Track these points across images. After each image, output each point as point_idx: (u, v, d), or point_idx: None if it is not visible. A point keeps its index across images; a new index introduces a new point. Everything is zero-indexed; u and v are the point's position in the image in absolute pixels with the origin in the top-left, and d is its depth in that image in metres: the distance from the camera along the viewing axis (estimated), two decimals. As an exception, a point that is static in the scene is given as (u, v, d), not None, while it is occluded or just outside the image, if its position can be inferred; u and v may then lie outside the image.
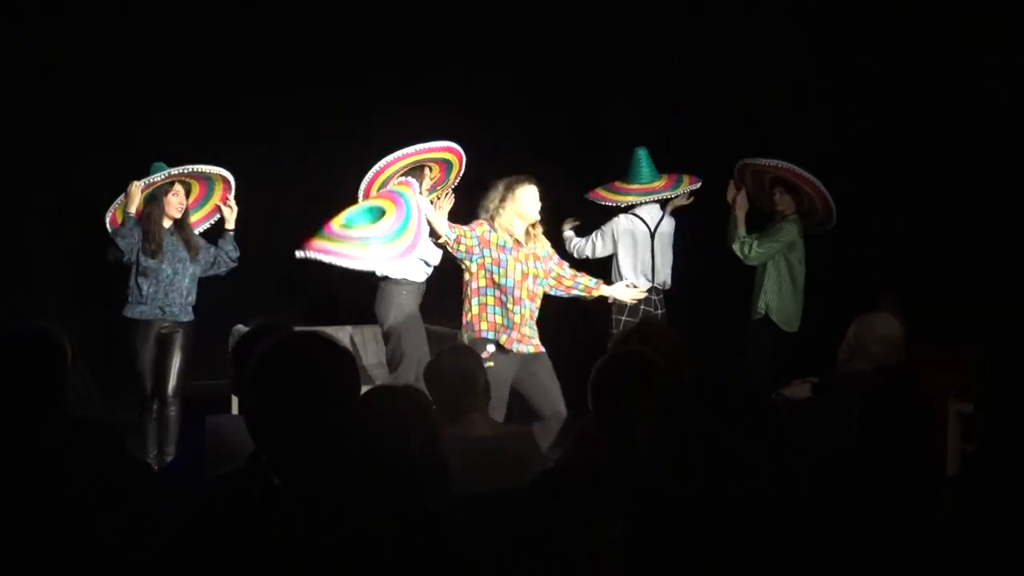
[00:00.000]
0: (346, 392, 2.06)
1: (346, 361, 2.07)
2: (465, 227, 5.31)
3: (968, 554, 2.51)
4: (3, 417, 2.56)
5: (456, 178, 6.06)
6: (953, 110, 6.30)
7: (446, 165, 6.00)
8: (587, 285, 5.55)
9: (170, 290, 5.67)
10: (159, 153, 5.86)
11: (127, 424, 5.83)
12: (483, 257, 5.25)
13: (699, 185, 6.33)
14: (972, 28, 6.17)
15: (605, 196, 6.34)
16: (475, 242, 5.25)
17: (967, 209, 6.26)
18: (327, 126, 6.98)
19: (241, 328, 6.27)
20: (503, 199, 5.30)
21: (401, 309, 5.96)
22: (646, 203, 6.28)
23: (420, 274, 6.00)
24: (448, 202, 5.77)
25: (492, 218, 5.30)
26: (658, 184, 6.29)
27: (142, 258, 5.59)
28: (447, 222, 5.35)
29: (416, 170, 5.84)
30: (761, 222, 6.32)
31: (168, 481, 3.32)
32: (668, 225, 6.39)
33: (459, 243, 5.26)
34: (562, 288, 5.52)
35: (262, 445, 2.03)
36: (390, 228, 5.37)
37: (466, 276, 5.31)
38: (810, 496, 2.60)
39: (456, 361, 3.62)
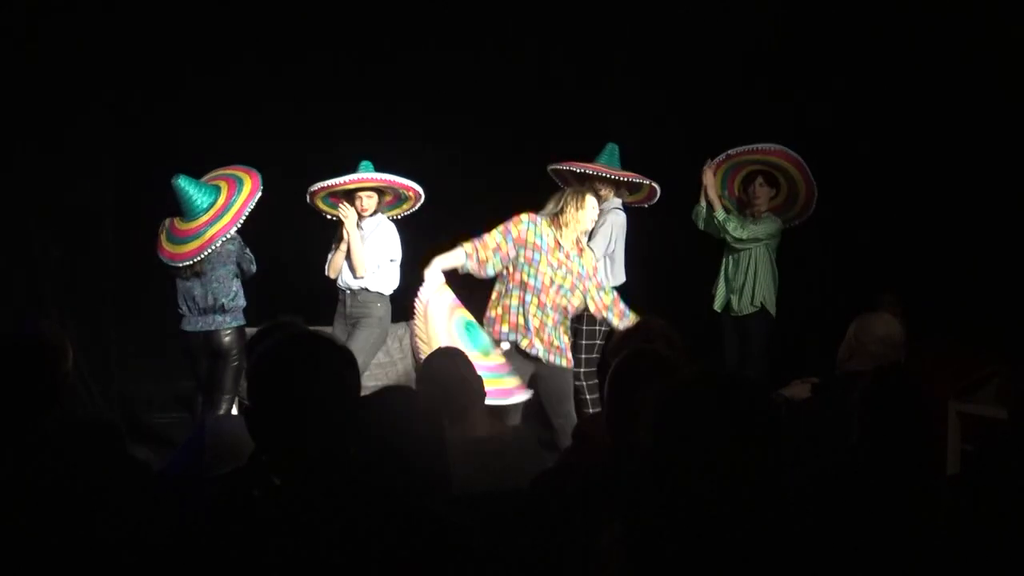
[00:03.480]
0: (346, 392, 2.06)
1: (346, 361, 2.08)
2: (491, 234, 5.08)
3: (968, 554, 2.51)
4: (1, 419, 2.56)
5: (415, 195, 5.93)
6: (953, 108, 6.29)
7: (398, 195, 5.95)
8: (612, 322, 5.28)
9: None
10: (162, 155, 5.86)
11: (127, 424, 5.83)
12: (518, 255, 5.08)
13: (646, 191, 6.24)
14: (972, 22, 6.17)
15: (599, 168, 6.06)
16: (509, 244, 5.07)
17: (967, 208, 6.26)
18: (330, 127, 6.97)
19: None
20: (575, 203, 5.13)
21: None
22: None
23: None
24: (344, 217, 5.74)
25: (555, 215, 5.13)
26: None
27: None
28: (449, 255, 5.07)
29: (348, 193, 5.80)
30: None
31: (168, 481, 3.32)
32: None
33: (482, 261, 5.07)
34: (595, 311, 5.30)
35: (262, 445, 2.03)
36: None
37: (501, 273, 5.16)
38: (810, 496, 2.60)
39: (448, 363, 3.62)
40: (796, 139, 6.72)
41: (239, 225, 5.41)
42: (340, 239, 5.86)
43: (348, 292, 5.87)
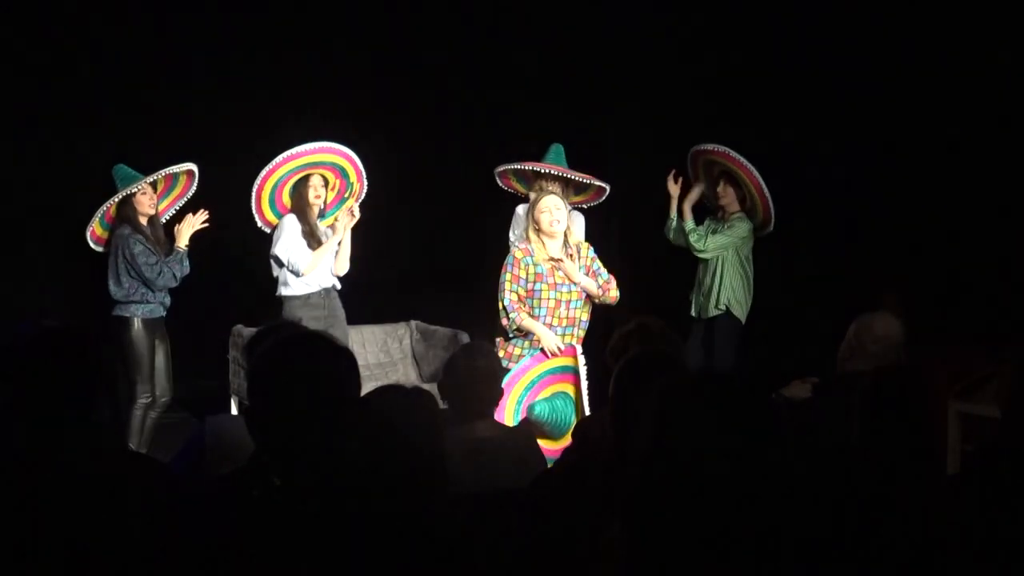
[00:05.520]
0: (346, 392, 2.06)
1: (346, 361, 2.08)
2: (508, 291, 4.96)
3: (968, 554, 2.51)
4: (34, 418, 2.50)
5: (361, 187, 5.90)
6: (954, 108, 6.29)
7: (340, 171, 5.83)
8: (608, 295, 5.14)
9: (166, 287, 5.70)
10: (155, 153, 5.85)
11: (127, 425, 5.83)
12: (525, 292, 4.98)
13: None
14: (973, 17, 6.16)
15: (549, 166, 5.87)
16: (524, 289, 4.97)
17: (968, 208, 6.26)
18: (319, 123, 6.93)
19: (241, 328, 6.27)
20: (528, 221, 5.08)
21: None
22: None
23: (302, 287, 5.71)
24: (349, 218, 5.67)
25: (536, 232, 5.03)
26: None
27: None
28: (527, 320, 4.94)
29: (301, 181, 5.69)
30: (699, 218, 6.25)
31: (168, 481, 3.31)
32: None
33: (520, 307, 4.98)
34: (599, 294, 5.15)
35: (262, 445, 2.03)
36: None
37: None
38: (810, 496, 2.60)
39: (472, 361, 3.60)
40: (794, 138, 6.73)
41: (98, 217, 5.55)
42: (316, 237, 5.70)
43: (323, 291, 5.74)
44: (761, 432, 1.91)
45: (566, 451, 3.25)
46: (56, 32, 6.48)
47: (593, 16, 7.19)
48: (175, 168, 5.66)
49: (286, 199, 5.74)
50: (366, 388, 2.25)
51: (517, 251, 5.02)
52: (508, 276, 4.98)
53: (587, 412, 4.60)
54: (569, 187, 5.83)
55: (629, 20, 7.14)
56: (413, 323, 7.02)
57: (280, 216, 5.74)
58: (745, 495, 1.87)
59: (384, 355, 6.87)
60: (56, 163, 6.50)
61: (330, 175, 5.77)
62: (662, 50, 7.15)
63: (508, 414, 4.63)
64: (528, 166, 5.84)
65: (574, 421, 4.58)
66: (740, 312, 6.10)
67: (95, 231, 5.66)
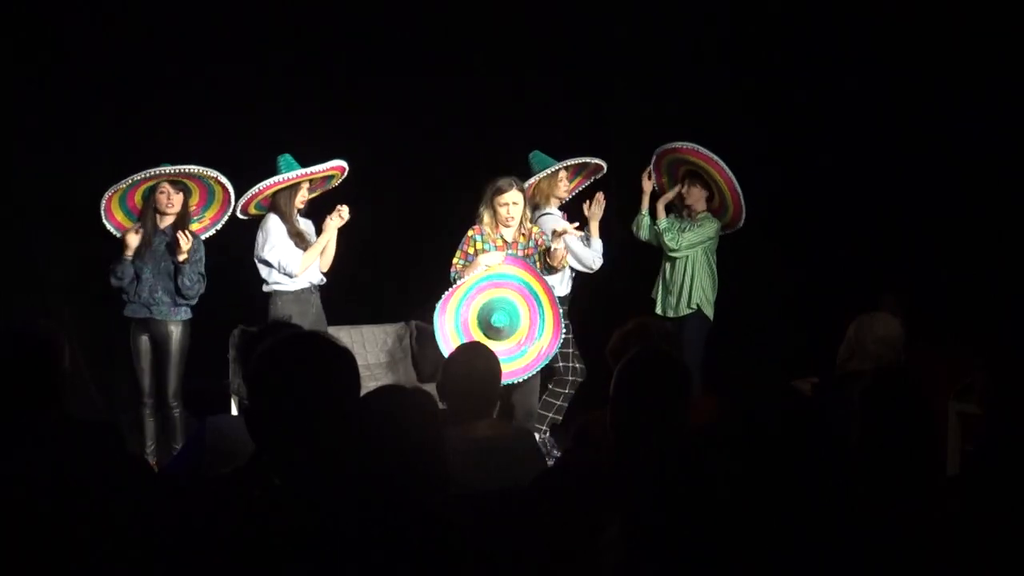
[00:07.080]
0: (346, 392, 2.06)
1: (346, 361, 2.08)
2: (457, 259, 5.47)
3: (968, 554, 2.51)
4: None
5: (322, 185, 6.00)
6: (954, 110, 6.29)
7: (325, 178, 5.94)
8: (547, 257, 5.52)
9: (156, 289, 5.63)
10: (158, 151, 5.85)
11: (127, 424, 5.84)
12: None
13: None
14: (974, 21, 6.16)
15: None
16: (470, 263, 5.44)
17: (967, 209, 6.26)
18: (320, 124, 6.94)
19: (242, 328, 6.26)
20: (486, 206, 5.47)
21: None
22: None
23: (294, 283, 5.77)
24: (339, 219, 5.70)
25: (482, 222, 5.46)
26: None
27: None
28: (477, 268, 5.42)
29: (292, 186, 5.73)
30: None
31: (168, 481, 3.32)
32: None
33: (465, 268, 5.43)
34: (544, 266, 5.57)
35: (262, 445, 2.03)
36: (522, 344, 5.41)
37: None
38: (809, 496, 2.60)
39: (473, 360, 3.60)
40: (794, 138, 6.72)
41: (116, 197, 5.58)
42: (303, 238, 5.76)
43: (313, 287, 5.85)
44: (765, 433, 1.91)
45: (566, 451, 3.25)
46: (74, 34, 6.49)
47: (591, 8, 7.18)
48: (188, 168, 5.61)
49: (268, 193, 5.78)
50: (366, 388, 2.25)
51: (471, 230, 5.46)
52: (458, 253, 5.47)
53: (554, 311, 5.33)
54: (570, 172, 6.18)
55: (628, 12, 7.13)
56: (413, 323, 7.02)
57: (263, 209, 5.81)
58: (745, 495, 1.87)
59: (384, 355, 6.87)
60: (78, 166, 6.50)
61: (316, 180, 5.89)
62: (655, 53, 7.15)
63: (450, 316, 5.36)
64: (545, 173, 5.96)
65: (523, 322, 5.33)
66: (709, 311, 6.12)
67: (113, 214, 5.67)
